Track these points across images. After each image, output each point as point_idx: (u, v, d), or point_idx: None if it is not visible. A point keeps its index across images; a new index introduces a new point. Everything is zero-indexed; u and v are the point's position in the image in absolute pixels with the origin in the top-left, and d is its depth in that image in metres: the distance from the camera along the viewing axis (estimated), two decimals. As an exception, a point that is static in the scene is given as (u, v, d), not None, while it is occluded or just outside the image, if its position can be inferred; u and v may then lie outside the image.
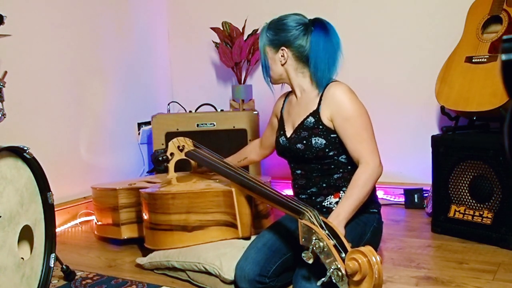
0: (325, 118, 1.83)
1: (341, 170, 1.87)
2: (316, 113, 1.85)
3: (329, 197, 1.89)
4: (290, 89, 2.03)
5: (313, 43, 1.84)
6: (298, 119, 1.91)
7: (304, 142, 1.85)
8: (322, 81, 1.86)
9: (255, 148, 2.36)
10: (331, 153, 1.84)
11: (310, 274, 1.64)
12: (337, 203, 1.86)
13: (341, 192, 1.88)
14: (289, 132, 1.95)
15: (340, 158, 1.86)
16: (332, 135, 1.83)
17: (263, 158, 2.38)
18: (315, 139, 1.84)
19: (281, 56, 1.88)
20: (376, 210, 1.91)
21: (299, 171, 1.94)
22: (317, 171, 1.88)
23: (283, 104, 2.06)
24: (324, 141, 1.83)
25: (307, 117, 1.87)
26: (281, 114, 2.04)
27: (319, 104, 1.85)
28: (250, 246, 1.86)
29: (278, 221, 2.00)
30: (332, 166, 1.86)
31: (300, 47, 1.86)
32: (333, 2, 3.15)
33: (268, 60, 1.92)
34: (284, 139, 1.95)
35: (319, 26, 1.85)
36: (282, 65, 1.90)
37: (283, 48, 1.87)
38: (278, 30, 1.88)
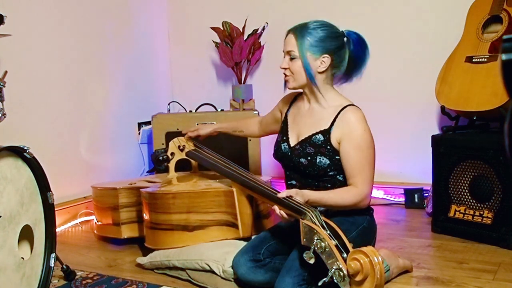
0: (334, 140, 1.82)
1: (336, 187, 1.86)
2: (327, 133, 1.83)
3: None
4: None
5: (355, 58, 1.87)
6: (305, 131, 1.89)
7: (309, 158, 1.84)
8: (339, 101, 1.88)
9: (253, 125, 2.34)
10: (331, 173, 1.84)
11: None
12: (326, 210, 1.86)
13: None
14: (293, 141, 1.92)
15: (338, 177, 1.86)
16: (337, 157, 1.82)
17: (256, 137, 2.48)
18: (320, 158, 1.82)
19: (321, 63, 1.83)
20: (367, 213, 1.90)
21: (294, 182, 1.94)
22: (312, 186, 1.88)
23: (290, 106, 2.02)
24: (328, 162, 1.82)
25: (317, 133, 1.85)
26: (286, 116, 2.01)
27: (332, 124, 1.83)
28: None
29: (277, 224, 2.00)
30: (329, 185, 1.86)
31: (339, 58, 1.85)
32: (333, 2, 3.15)
33: (307, 64, 1.83)
34: (287, 146, 1.93)
35: (360, 42, 1.89)
36: (319, 72, 1.85)
37: (325, 55, 1.83)
38: (322, 36, 1.82)
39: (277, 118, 2.12)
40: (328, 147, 1.82)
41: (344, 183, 1.85)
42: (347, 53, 1.87)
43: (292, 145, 1.91)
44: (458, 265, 2.05)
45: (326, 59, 1.83)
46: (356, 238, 1.74)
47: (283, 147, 1.94)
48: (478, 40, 2.44)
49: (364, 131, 1.80)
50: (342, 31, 1.88)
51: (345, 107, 1.84)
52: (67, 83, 2.92)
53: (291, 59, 1.85)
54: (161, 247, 2.10)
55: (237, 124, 2.40)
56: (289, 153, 1.91)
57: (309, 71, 1.83)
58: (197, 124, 3.00)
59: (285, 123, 2.00)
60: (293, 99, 2.03)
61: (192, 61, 3.68)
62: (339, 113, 1.83)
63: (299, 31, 1.84)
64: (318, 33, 1.82)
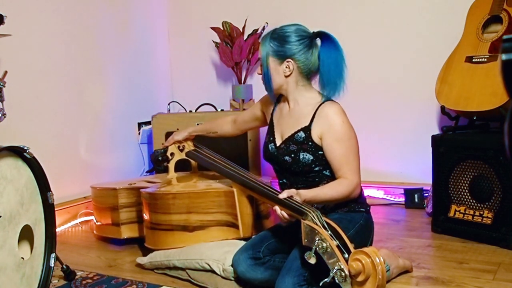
0: (315, 136, 1.84)
1: (325, 182, 1.87)
2: (307, 130, 1.86)
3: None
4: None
5: (324, 57, 1.84)
6: (288, 130, 1.92)
7: (292, 155, 1.87)
8: (333, 94, 1.87)
9: (226, 125, 2.36)
10: (316, 169, 1.86)
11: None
12: (323, 207, 1.87)
13: None
14: (278, 141, 1.96)
15: (324, 172, 1.87)
16: (319, 152, 1.85)
17: (232, 136, 2.41)
18: (303, 154, 1.85)
19: (286, 67, 1.86)
20: (364, 209, 1.91)
21: (284, 180, 1.96)
22: (302, 183, 1.89)
23: (274, 107, 2.04)
24: (311, 157, 1.84)
25: (298, 131, 1.87)
26: (271, 117, 2.04)
27: (311, 121, 1.86)
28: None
29: (278, 224, 2.00)
30: (317, 179, 1.88)
31: (306, 61, 1.85)
32: (333, 2, 3.15)
33: (270, 70, 1.89)
34: (273, 146, 1.96)
35: (327, 40, 1.85)
36: (286, 76, 1.88)
37: (288, 60, 1.85)
38: (283, 41, 1.85)
39: (257, 117, 2.17)
40: (310, 143, 1.85)
41: (331, 178, 1.86)
42: (314, 54, 1.86)
43: (278, 144, 1.95)
44: (458, 265, 2.05)
45: (290, 64, 1.86)
46: (354, 236, 1.75)
47: (270, 148, 1.97)
48: (478, 40, 2.44)
49: (343, 123, 1.82)
50: (310, 32, 1.88)
51: (322, 103, 1.86)
52: (67, 83, 2.92)
53: (261, 65, 1.91)
54: (161, 248, 2.10)
55: (210, 125, 2.42)
56: (276, 153, 1.94)
57: (271, 77, 1.88)
58: (197, 124, 3.01)
59: (271, 123, 2.02)
60: (277, 100, 2.04)
61: (192, 61, 3.68)
62: (317, 109, 1.86)
63: (264, 38, 1.89)
64: (280, 38, 1.86)
